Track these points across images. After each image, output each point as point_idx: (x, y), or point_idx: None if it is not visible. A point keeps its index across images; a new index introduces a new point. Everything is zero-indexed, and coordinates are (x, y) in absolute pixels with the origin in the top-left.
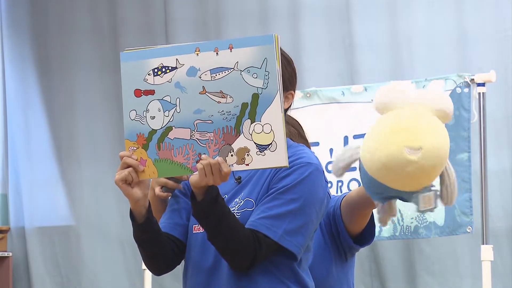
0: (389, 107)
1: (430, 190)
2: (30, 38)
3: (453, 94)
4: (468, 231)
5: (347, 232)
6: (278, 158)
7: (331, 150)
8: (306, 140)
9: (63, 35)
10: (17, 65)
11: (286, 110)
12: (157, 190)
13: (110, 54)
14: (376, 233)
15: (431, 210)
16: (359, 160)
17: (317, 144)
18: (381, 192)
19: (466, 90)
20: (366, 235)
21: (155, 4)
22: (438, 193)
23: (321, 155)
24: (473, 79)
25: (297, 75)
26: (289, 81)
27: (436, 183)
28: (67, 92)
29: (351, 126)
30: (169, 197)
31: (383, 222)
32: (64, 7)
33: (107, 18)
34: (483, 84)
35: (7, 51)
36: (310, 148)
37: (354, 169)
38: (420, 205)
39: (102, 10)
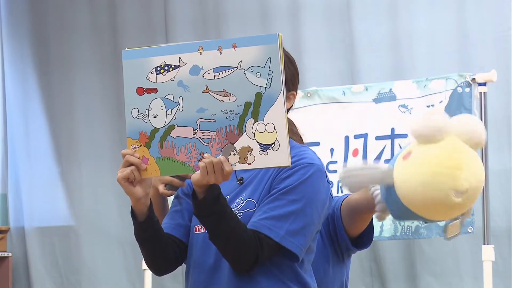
0: (430, 140)
1: (457, 219)
2: (29, 38)
3: (454, 94)
4: (469, 231)
5: (346, 234)
6: (280, 157)
7: (331, 150)
8: (301, 138)
9: (63, 35)
10: (17, 65)
11: (287, 111)
12: (161, 188)
13: (110, 54)
14: (377, 233)
15: (456, 236)
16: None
17: (317, 144)
18: (406, 217)
19: (467, 89)
20: (365, 238)
21: (155, 4)
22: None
23: (321, 155)
24: (474, 79)
25: (299, 75)
26: (291, 81)
27: None
28: (67, 92)
29: (352, 126)
30: (173, 195)
31: (382, 219)
32: (64, 7)
33: (107, 18)
34: (484, 84)
35: (6, 50)
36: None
37: None
38: (448, 233)
39: (102, 10)
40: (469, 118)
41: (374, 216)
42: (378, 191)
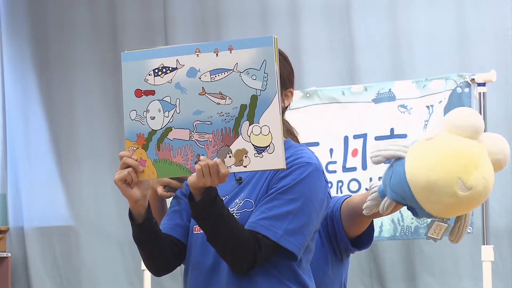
0: (462, 132)
1: (445, 222)
2: (29, 38)
3: (454, 94)
4: (469, 231)
5: (346, 235)
6: (275, 160)
7: (331, 150)
8: (296, 138)
9: (62, 35)
10: (17, 65)
11: (286, 108)
12: (160, 189)
13: (110, 54)
14: (376, 234)
15: (435, 240)
16: (399, 159)
17: (317, 144)
18: (403, 196)
19: (466, 90)
20: (364, 239)
21: (154, 4)
22: (450, 228)
23: (321, 155)
24: (473, 79)
25: (295, 73)
26: (288, 79)
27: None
28: (66, 92)
29: (351, 126)
30: (171, 197)
31: (370, 210)
32: (63, 7)
33: (107, 18)
34: (483, 84)
35: (6, 51)
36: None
37: (354, 169)
38: (430, 231)
39: (102, 10)
40: (500, 139)
41: (363, 209)
42: (376, 188)
